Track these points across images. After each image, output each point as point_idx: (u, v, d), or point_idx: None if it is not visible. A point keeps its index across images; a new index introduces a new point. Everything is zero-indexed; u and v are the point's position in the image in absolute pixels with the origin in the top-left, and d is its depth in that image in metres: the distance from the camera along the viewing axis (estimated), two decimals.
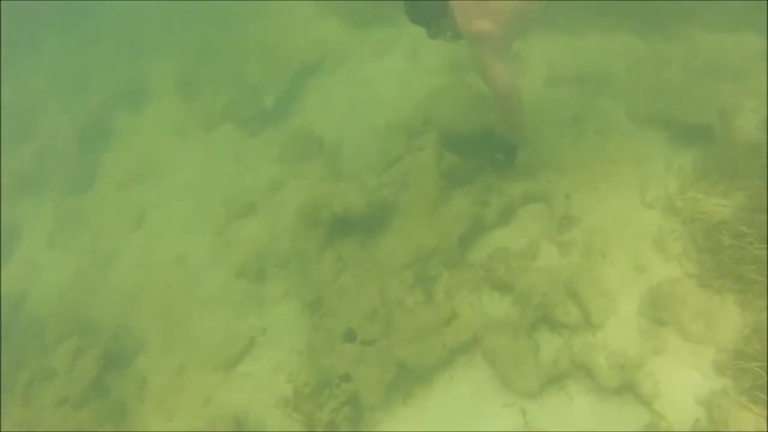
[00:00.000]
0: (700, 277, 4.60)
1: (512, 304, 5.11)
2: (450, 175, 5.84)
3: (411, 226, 5.68)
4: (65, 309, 7.08)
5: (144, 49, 10.07)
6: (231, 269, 6.57)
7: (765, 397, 3.98)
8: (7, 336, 7.06)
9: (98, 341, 6.45)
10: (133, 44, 10.30)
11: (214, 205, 7.25)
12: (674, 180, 5.19)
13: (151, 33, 10.20)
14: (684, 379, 4.30)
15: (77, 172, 8.69)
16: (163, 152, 8.47)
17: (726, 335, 4.34)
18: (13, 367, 6.61)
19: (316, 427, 5.04)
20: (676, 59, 6.03)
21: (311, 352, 5.46)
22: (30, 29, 11.50)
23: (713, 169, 5.03)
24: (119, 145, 9.02)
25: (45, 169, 8.91)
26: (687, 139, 5.39)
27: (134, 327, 6.59)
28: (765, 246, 4.39)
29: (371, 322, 5.28)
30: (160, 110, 9.13)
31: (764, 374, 4.03)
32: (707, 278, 4.56)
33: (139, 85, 9.56)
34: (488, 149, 5.74)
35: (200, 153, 8.16)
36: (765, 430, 3.90)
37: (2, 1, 11.44)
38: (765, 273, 4.35)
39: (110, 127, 9.26)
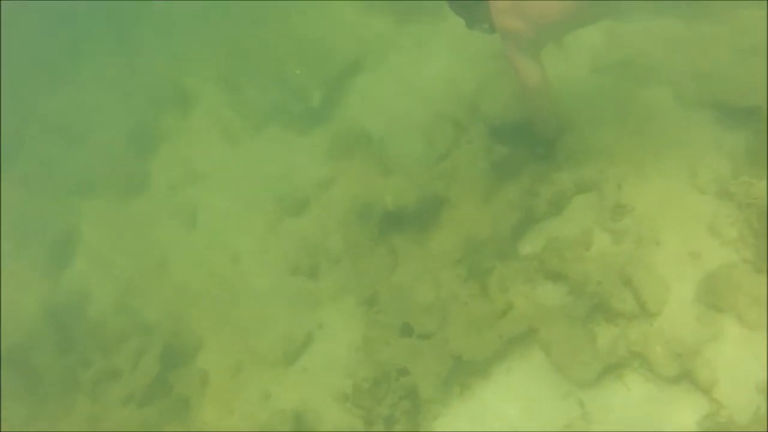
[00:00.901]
0: (757, 262, 4.54)
1: (567, 294, 5.10)
2: (500, 167, 5.83)
3: (463, 219, 5.70)
4: (126, 309, 7.22)
5: (186, 53, 10.09)
6: (285, 266, 6.65)
7: None
8: (71, 336, 7.23)
9: (159, 340, 6.59)
10: (175, 48, 10.32)
11: (266, 203, 7.33)
12: (726, 164, 5.11)
13: (191, 36, 10.21)
14: (743, 366, 4.27)
15: (130, 176, 8.81)
16: (213, 153, 8.56)
17: None
18: (80, 366, 6.80)
19: (376, 421, 5.12)
20: (723, 40, 5.90)
21: (368, 347, 5.54)
22: (73, 40, 11.66)
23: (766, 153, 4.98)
24: (169, 148, 9.12)
25: (98, 173, 9.01)
26: (737, 122, 5.28)
27: (193, 325, 6.71)
28: None
29: (427, 315, 5.35)
30: (207, 112, 9.19)
31: None
32: (764, 264, 4.50)
33: (184, 87, 9.63)
34: (529, 142, 5.77)
35: (249, 152, 8.24)
36: None
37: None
38: None
39: (159, 131, 9.36)
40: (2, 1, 12.08)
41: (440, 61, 7.47)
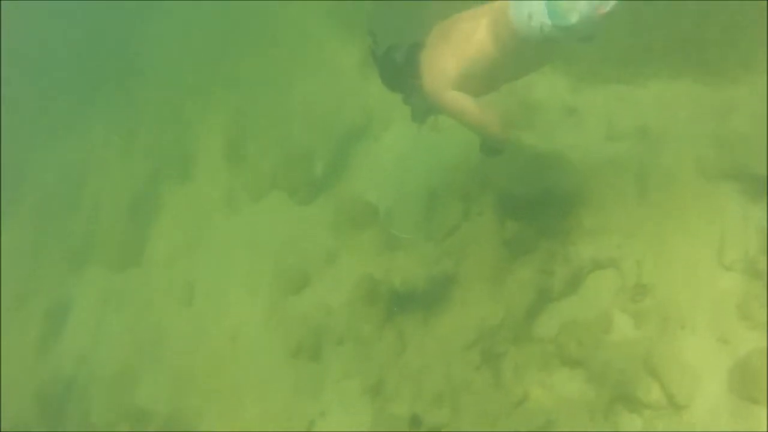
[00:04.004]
0: None
1: (586, 382, 4.81)
2: (511, 242, 5.57)
3: (474, 300, 5.44)
4: (117, 391, 6.96)
5: (190, 116, 9.94)
6: (286, 347, 6.35)
7: None
8: (61, 418, 6.95)
9: (151, 425, 6.32)
10: (179, 110, 10.18)
11: (267, 278, 7.05)
12: (754, 238, 4.80)
13: (196, 99, 10.09)
14: None
15: (126, 246, 8.58)
16: (212, 223, 8.30)
17: None
18: None
19: None
20: (742, 106, 5.63)
21: None
22: (75, 101, 11.59)
23: None
24: (168, 216, 8.88)
25: (94, 243, 8.83)
26: (762, 192, 4.97)
27: (188, 410, 6.43)
28: None
29: (437, 406, 5.07)
30: (208, 178, 8.94)
31: None
32: None
33: (186, 152, 9.42)
34: (542, 216, 5.56)
35: (250, 223, 7.95)
36: None
37: None
38: None
39: (158, 197, 9.13)
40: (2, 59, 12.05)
41: (446, 129, 7.24)
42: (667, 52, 6.08)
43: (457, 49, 4.54)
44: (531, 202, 5.65)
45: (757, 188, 5.03)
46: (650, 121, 5.93)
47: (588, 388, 4.76)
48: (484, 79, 4.63)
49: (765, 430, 4.11)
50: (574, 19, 3.85)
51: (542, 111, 6.40)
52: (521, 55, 4.41)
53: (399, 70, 4.80)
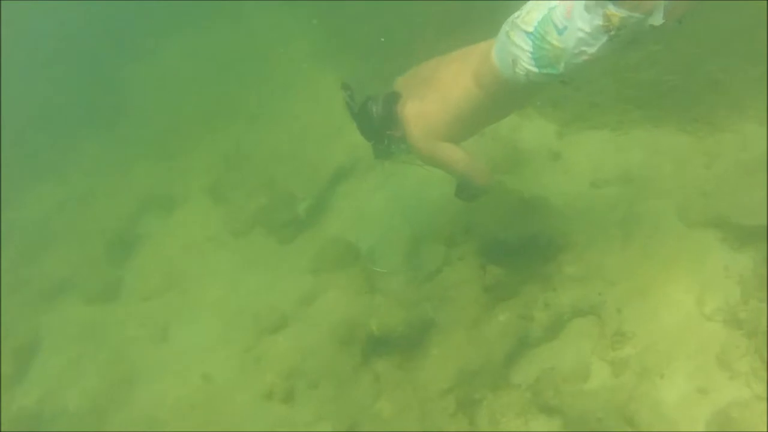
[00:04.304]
0: None
1: (563, 430, 4.73)
2: (492, 288, 5.53)
3: (452, 345, 5.38)
4: (86, 428, 6.76)
5: (174, 153, 9.94)
6: (260, 389, 6.19)
7: None
8: None
9: None
10: (164, 147, 10.20)
11: (244, 317, 6.93)
12: (734, 288, 4.77)
13: (181, 135, 10.11)
14: None
15: (103, 281, 8.45)
16: (192, 260, 8.21)
17: None
18: None
19: None
20: (726, 154, 5.64)
21: None
22: (62, 134, 11.61)
23: None
24: (147, 252, 8.78)
25: (71, 277, 8.70)
26: (744, 242, 4.97)
27: None
28: None
29: None
30: (190, 215, 8.90)
31: None
32: None
33: (169, 188, 9.39)
34: (524, 262, 5.53)
35: (230, 261, 7.89)
36: None
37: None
38: None
39: (139, 233, 9.05)
40: None
41: (432, 173, 7.21)
42: (653, 99, 6.11)
43: (441, 96, 4.54)
44: (514, 248, 5.63)
45: (739, 237, 5.02)
46: (634, 168, 5.96)
47: None
48: (469, 124, 4.66)
49: None
50: (561, 67, 3.89)
51: (528, 156, 6.41)
52: (505, 97, 4.44)
53: (377, 123, 4.76)
